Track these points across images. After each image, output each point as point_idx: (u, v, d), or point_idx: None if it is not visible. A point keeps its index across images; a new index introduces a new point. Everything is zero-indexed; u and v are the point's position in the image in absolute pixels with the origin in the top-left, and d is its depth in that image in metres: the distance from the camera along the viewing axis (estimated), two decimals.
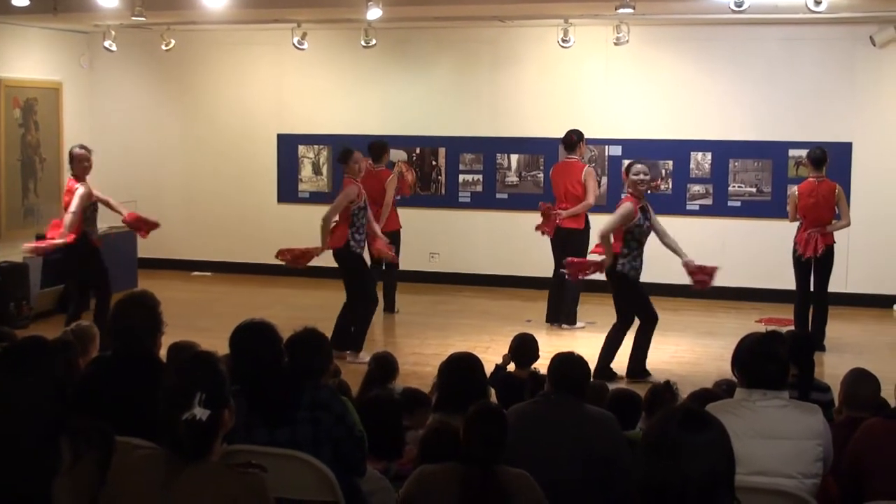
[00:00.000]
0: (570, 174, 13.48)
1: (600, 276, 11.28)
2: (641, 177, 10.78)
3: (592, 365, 9.89)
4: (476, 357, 6.98)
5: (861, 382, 6.11)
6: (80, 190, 11.77)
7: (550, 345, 12.22)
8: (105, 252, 12.78)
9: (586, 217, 13.44)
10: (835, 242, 12.39)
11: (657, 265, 12.04)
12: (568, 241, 13.17)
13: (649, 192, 11.46)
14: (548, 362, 6.01)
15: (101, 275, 12.01)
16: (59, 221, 11.96)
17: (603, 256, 10.91)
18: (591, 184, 13.42)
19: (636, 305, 10.94)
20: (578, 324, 13.59)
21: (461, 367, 6.83)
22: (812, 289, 12.38)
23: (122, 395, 5.23)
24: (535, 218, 13.50)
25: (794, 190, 12.69)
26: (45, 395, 4.21)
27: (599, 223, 11.51)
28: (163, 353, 5.99)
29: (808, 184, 12.39)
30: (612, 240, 10.78)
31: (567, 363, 5.90)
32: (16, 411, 4.19)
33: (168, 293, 12.27)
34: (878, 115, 14.87)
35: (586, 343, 12.42)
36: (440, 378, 6.92)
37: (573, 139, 13.56)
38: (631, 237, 10.68)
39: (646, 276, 11.23)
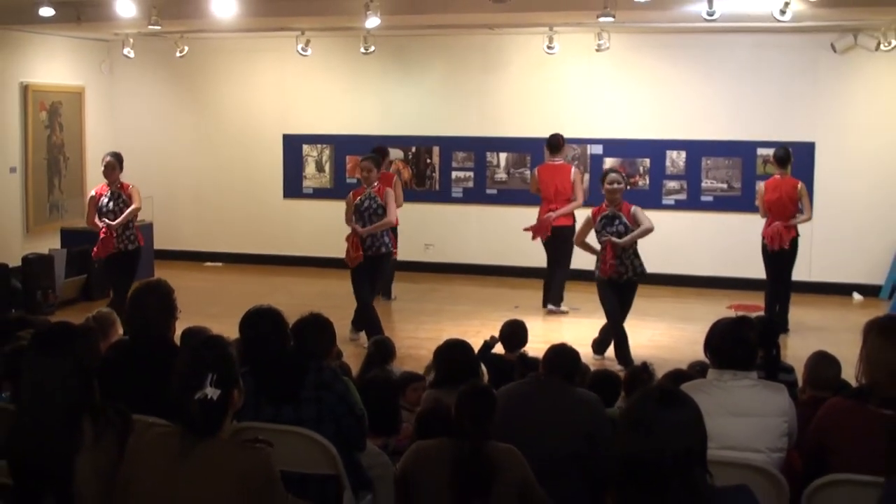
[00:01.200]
0: (560, 175, 13.54)
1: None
2: (614, 185, 10.73)
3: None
4: (467, 342, 7.01)
5: (824, 364, 6.12)
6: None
7: (545, 329, 12.32)
8: None
9: (573, 213, 13.51)
10: (798, 235, 12.44)
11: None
12: (558, 237, 13.36)
13: (627, 188, 11.44)
14: (537, 345, 6.02)
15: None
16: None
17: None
18: (578, 185, 13.58)
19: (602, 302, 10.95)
20: (562, 307, 13.61)
21: (456, 351, 6.86)
22: (777, 276, 12.48)
23: (139, 376, 5.23)
24: (523, 212, 13.50)
25: (760, 186, 12.81)
26: (71, 377, 4.21)
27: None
28: (176, 337, 5.99)
29: (773, 180, 12.46)
30: (587, 245, 11.04)
31: (561, 354, 5.91)
32: (44, 392, 4.19)
33: (182, 282, 12.20)
34: (839, 117, 14.89)
35: (575, 328, 12.50)
36: (437, 360, 6.94)
37: (560, 142, 13.60)
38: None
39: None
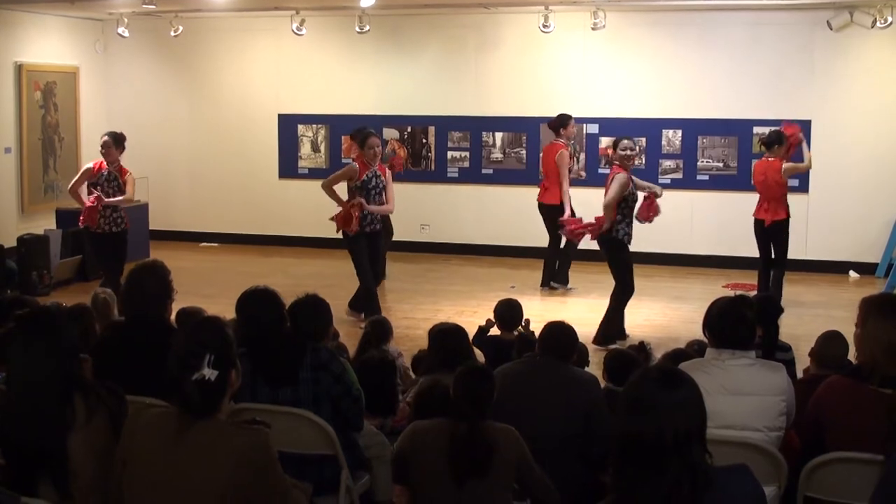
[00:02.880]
0: (548, 155, 13.69)
1: (591, 245, 11.26)
2: (628, 152, 10.75)
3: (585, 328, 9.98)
4: (463, 328, 7.01)
5: (835, 343, 6.12)
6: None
7: (544, 308, 12.31)
8: None
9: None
10: (788, 217, 12.35)
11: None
12: (547, 216, 13.48)
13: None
14: (538, 324, 6.01)
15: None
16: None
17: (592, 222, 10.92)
18: (562, 169, 13.45)
19: (624, 271, 10.88)
20: (568, 286, 13.73)
21: (450, 337, 6.84)
22: (772, 255, 12.50)
23: (136, 357, 5.22)
24: (519, 192, 13.47)
25: (754, 165, 12.92)
26: (54, 358, 4.20)
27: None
28: (172, 318, 5.98)
29: (760, 163, 12.56)
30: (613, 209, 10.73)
31: (557, 331, 5.90)
32: (30, 374, 4.18)
33: (177, 262, 12.19)
34: (834, 94, 14.87)
35: (575, 307, 12.51)
36: (431, 346, 6.92)
37: (558, 122, 13.65)
38: (625, 205, 10.64)
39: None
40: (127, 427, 4.05)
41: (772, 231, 12.33)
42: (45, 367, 4.17)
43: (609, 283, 10.94)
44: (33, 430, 4.09)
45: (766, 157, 12.45)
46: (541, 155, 14.47)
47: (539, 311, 11.40)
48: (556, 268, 13.79)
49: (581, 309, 12.28)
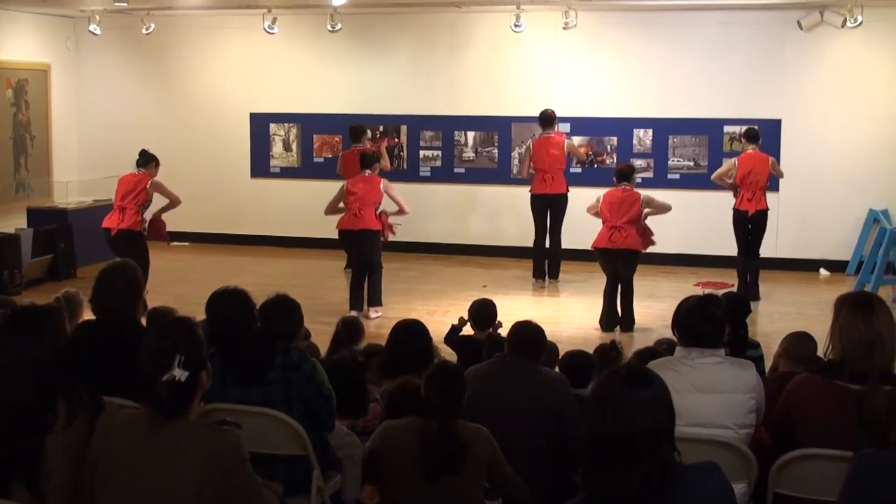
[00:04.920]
0: (553, 145, 13.93)
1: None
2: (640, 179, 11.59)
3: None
4: (422, 323, 6.92)
5: (803, 340, 6.13)
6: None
7: (538, 309, 12.35)
8: (88, 224, 12.73)
9: (567, 185, 13.99)
10: (768, 209, 12.86)
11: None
12: (554, 204, 13.97)
13: (595, 166, 11.64)
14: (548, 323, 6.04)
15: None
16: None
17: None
18: (574, 148, 14.42)
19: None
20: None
21: (408, 333, 6.79)
22: (749, 247, 13.00)
23: (106, 357, 5.20)
24: (491, 191, 13.52)
25: (733, 160, 13.13)
26: (43, 358, 4.17)
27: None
28: (143, 318, 5.96)
29: (746, 155, 13.00)
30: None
31: (525, 331, 5.90)
32: (15, 373, 4.15)
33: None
34: (805, 94, 14.95)
35: (568, 305, 12.57)
36: (388, 343, 6.87)
37: (551, 116, 14.04)
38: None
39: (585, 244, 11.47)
40: (98, 428, 4.04)
41: (755, 220, 12.84)
42: (32, 368, 4.14)
43: (584, 279, 11.00)
44: (12, 432, 4.06)
45: (749, 150, 12.94)
46: (526, 148, 14.49)
47: (540, 309, 11.51)
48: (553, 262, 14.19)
49: (580, 306, 12.52)
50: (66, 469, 4.10)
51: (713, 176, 13.56)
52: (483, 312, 8.15)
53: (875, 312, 4.67)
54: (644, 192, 11.81)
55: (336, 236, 12.53)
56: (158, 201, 12.56)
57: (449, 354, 7.86)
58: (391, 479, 4.98)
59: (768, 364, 6.74)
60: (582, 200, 13.43)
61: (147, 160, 12.62)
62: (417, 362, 6.22)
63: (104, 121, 17.13)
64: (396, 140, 14.14)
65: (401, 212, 12.46)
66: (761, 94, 15.00)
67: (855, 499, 3.92)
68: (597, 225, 11.67)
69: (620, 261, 11.45)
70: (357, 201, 12.07)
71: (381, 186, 12.24)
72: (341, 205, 12.29)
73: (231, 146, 17.28)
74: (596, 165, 15.50)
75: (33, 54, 16.62)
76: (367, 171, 12.37)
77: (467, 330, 8.19)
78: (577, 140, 15.26)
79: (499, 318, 8.13)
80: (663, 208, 11.79)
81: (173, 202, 12.61)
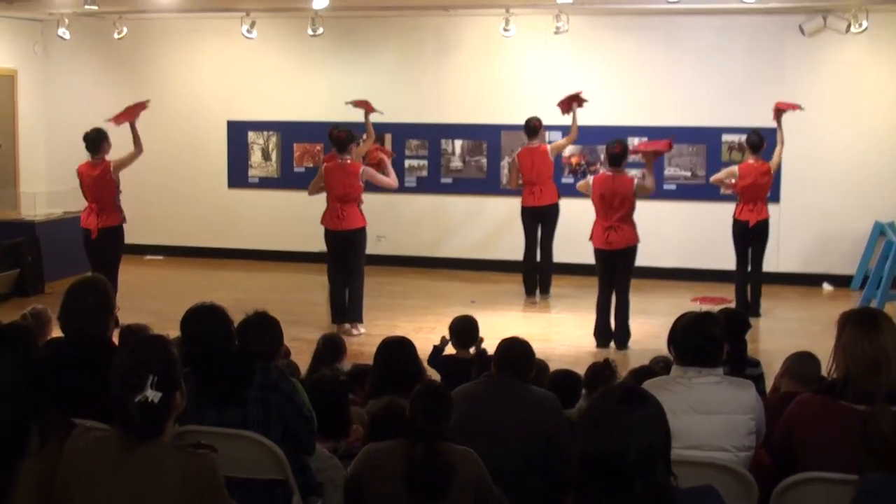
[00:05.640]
0: (538, 157, 13.96)
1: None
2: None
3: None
4: (410, 341, 6.94)
5: (806, 359, 6.14)
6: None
7: (528, 325, 12.36)
8: (57, 237, 12.69)
9: (559, 193, 14.06)
10: (769, 217, 12.85)
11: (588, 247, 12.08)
12: (544, 216, 14.00)
13: (589, 175, 11.67)
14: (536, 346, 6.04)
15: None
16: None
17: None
18: (561, 144, 14.45)
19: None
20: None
21: (396, 352, 6.79)
22: (749, 260, 12.97)
23: (75, 377, 5.18)
24: (479, 202, 13.53)
25: (734, 168, 13.10)
26: (19, 380, 4.17)
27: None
28: (115, 336, 5.94)
29: (747, 166, 12.91)
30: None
31: (512, 348, 5.90)
32: None
33: (120, 276, 12.23)
34: (807, 102, 14.78)
35: (560, 322, 12.58)
36: (375, 362, 6.87)
37: (535, 125, 14.05)
38: None
39: (585, 257, 11.41)
40: (66, 451, 4.02)
41: (756, 231, 12.79)
42: (7, 391, 4.14)
43: (576, 294, 11.02)
44: None
45: (751, 160, 12.87)
46: (511, 161, 14.60)
47: (532, 326, 11.55)
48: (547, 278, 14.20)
49: (572, 322, 12.56)
50: (34, 496, 4.09)
51: (712, 178, 13.62)
52: (464, 330, 8.13)
53: (880, 329, 4.68)
54: (637, 178, 11.68)
55: (312, 242, 12.59)
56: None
57: (433, 376, 7.85)
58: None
59: (769, 383, 6.76)
60: (574, 210, 13.53)
61: (97, 144, 12.53)
62: (404, 382, 6.20)
63: (74, 129, 17.00)
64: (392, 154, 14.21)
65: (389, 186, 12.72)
66: (761, 101, 14.94)
67: None
68: (588, 230, 11.68)
69: (619, 259, 11.45)
70: (336, 200, 12.05)
71: (361, 173, 12.15)
72: (322, 184, 12.30)
73: (207, 155, 17.27)
74: (589, 175, 15.50)
75: None
76: (347, 157, 12.24)
77: (450, 349, 8.18)
78: (569, 150, 15.28)
79: (485, 336, 8.12)
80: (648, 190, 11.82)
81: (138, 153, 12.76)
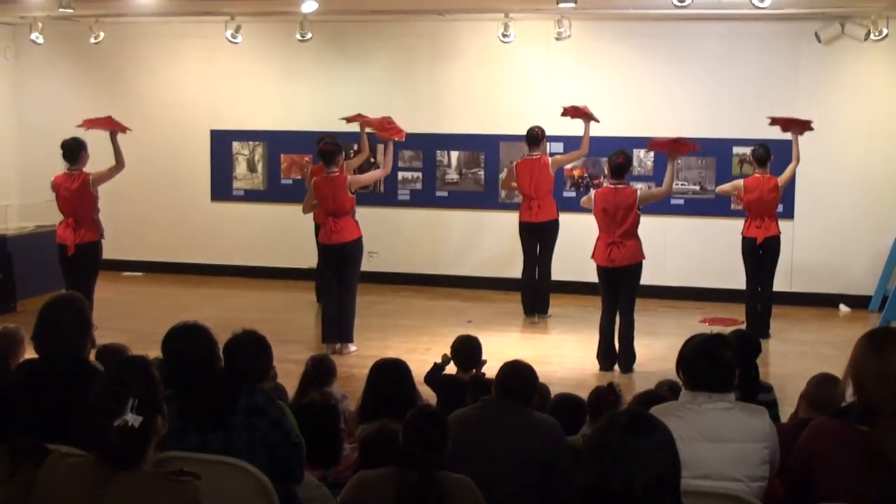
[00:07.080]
0: (537, 169, 13.87)
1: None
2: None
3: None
4: (404, 363, 6.96)
5: (826, 384, 6.13)
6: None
7: (527, 347, 12.36)
8: (31, 252, 12.67)
9: (558, 209, 13.98)
10: (780, 233, 12.79)
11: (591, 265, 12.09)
12: (542, 233, 13.91)
13: (591, 189, 11.69)
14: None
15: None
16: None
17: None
18: (565, 158, 14.38)
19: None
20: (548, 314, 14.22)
21: (389, 374, 6.81)
22: (760, 278, 12.92)
23: (50, 399, 5.17)
24: (476, 216, 13.55)
25: (740, 182, 13.11)
26: None
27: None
28: (92, 356, 5.93)
29: (752, 179, 12.89)
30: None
31: (513, 374, 5.90)
32: None
33: (97, 294, 12.22)
34: (822, 113, 14.82)
35: (561, 343, 12.57)
36: (367, 384, 6.88)
37: (537, 135, 13.97)
38: None
39: (587, 275, 11.43)
40: (40, 478, 4.01)
41: (766, 248, 12.74)
42: None
43: (578, 314, 11.02)
44: None
45: (758, 174, 12.84)
46: (509, 168, 14.60)
47: (531, 347, 11.53)
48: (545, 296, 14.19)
49: (572, 343, 12.62)
50: None
51: (717, 189, 13.76)
52: (467, 350, 8.15)
53: (893, 346, 4.66)
54: (640, 190, 11.70)
55: (300, 258, 12.60)
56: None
57: (429, 395, 7.86)
58: None
59: (783, 409, 6.76)
60: (576, 227, 13.52)
61: (75, 154, 12.58)
62: (397, 406, 6.20)
63: (47, 139, 17.03)
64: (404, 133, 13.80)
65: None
66: (774, 112, 14.86)
67: None
68: (590, 246, 11.70)
69: (623, 277, 11.47)
70: (329, 215, 12.12)
71: (349, 185, 12.19)
72: (315, 201, 12.34)
73: (189, 166, 17.28)
74: (592, 189, 15.52)
75: None
76: (334, 170, 12.28)
77: (450, 369, 8.19)
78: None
79: (483, 358, 8.13)
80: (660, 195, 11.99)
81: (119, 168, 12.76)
